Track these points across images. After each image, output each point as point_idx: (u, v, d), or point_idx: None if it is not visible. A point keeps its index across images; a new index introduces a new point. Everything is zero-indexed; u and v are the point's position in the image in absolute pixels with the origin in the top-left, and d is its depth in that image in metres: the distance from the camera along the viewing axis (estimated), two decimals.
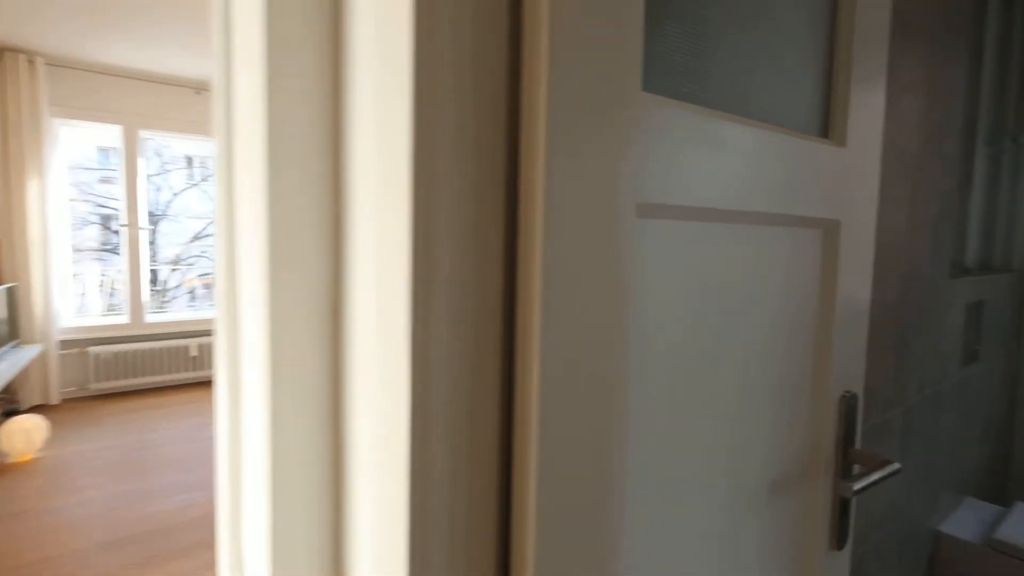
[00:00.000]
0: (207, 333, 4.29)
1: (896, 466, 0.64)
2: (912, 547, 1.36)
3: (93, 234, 5.35)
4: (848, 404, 0.68)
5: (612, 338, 0.43)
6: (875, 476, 0.62)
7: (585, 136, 0.40)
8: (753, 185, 0.53)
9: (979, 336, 1.55)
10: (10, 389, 3.36)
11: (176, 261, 5.89)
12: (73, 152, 4.95)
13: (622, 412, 0.44)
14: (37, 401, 3.56)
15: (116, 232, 4.87)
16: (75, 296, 4.22)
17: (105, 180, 5.17)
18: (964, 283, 1.45)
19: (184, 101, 4.09)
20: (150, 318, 4.14)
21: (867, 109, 0.67)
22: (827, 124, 0.65)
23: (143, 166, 4.11)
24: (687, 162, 0.47)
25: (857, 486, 0.60)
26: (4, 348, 3.11)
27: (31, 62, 3.38)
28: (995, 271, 1.90)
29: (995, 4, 1.82)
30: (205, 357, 4.25)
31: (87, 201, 5.30)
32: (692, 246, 0.50)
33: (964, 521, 1.51)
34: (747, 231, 0.56)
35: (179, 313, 4.60)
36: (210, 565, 1.98)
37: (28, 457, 2.74)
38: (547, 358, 0.39)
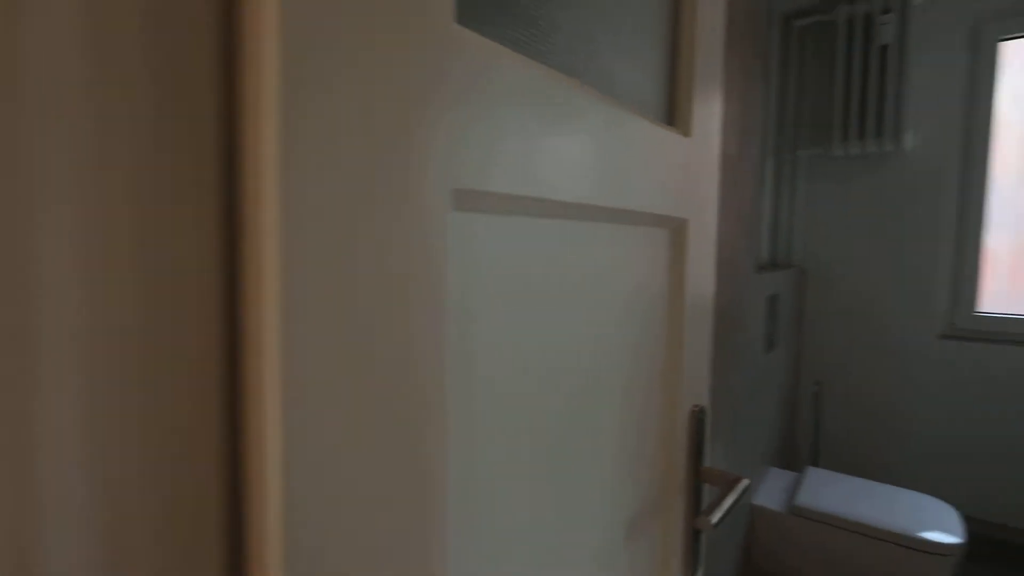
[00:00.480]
0: None
1: (745, 483, 0.60)
2: (737, 525, 1.46)
3: None
4: (697, 419, 0.63)
5: (416, 380, 0.27)
6: (729, 501, 0.57)
7: (357, 83, 0.24)
8: (602, 172, 0.42)
9: (776, 325, 1.74)
10: None
11: None
12: None
13: (438, 478, 0.29)
14: None
15: None
16: None
17: None
18: (765, 278, 1.60)
19: None
20: None
21: (708, 98, 0.62)
22: (672, 110, 0.58)
23: None
24: (525, 136, 0.34)
25: (715, 518, 0.54)
26: None
27: None
28: (781, 267, 2.19)
29: (776, 33, 2.09)
30: None
31: None
32: (529, 249, 0.37)
33: (770, 491, 1.68)
34: (593, 230, 0.45)
35: None
36: None
37: None
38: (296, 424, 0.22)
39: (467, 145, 0.30)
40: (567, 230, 0.41)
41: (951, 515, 1.49)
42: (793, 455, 2.29)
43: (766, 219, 2.25)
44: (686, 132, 0.58)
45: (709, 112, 0.62)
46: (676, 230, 0.58)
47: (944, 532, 1.40)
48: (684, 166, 0.56)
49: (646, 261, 0.53)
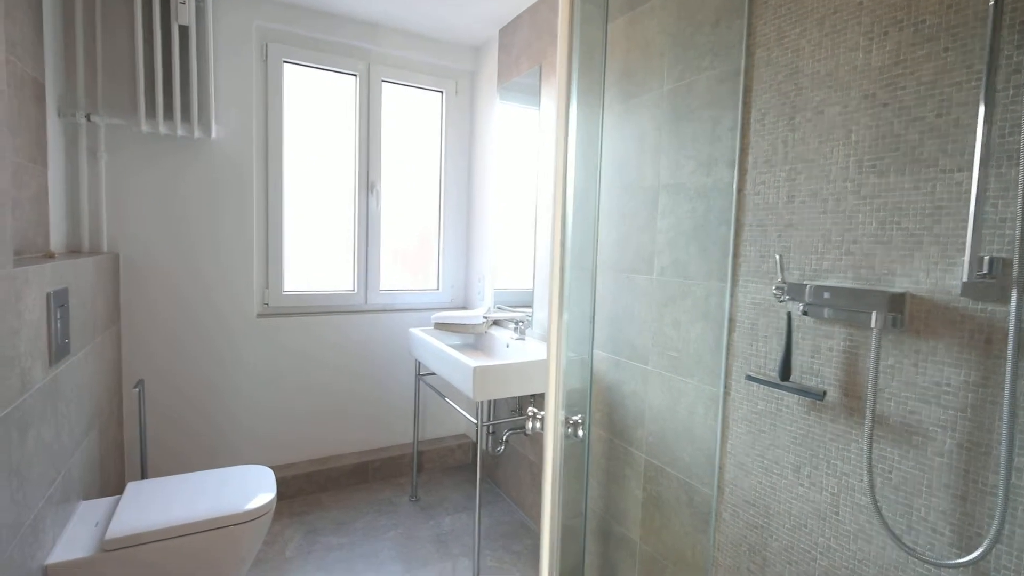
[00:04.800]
0: None
1: None
2: None
3: None
4: None
5: None
6: None
7: None
8: None
9: (67, 327, 1.39)
10: None
11: None
12: None
13: None
14: None
15: None
16: None
17: None
18: (40, 271, 1.23)
19: None
20: None
21: None
22: None
23: None
24: None
25: None
26: None
27: None
28: (86, 254, 1.81)
29: None
30: None
31: None
32: None
33: (76, 536, 1.35)
34: None
35: None
36: None
37: None
38: None
39: None
40: None
41: (267, 476, 1.67)
42: (120, 473, 1.98)
43: (59, 197, 1.78)
44: None
45: None
46: None
47: (261, 494, 1.54)
48: None
49: None
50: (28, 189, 1.56)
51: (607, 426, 1.73)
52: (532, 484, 2.26)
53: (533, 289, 2.23)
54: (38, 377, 1.20)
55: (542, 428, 0.67)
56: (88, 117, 1.84)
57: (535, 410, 0.67)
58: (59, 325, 1.32)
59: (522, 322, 2.20)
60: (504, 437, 2.26)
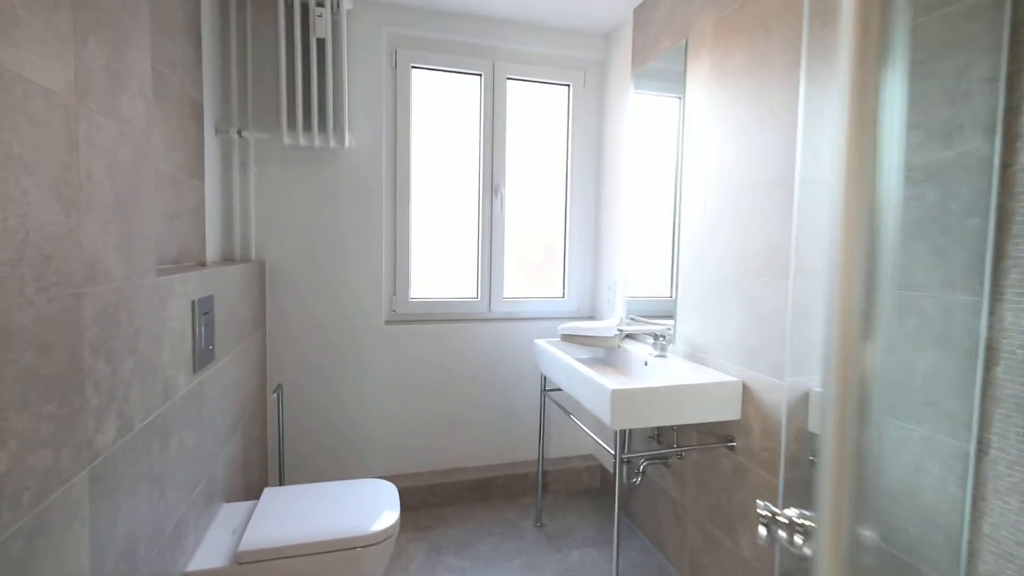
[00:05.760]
0: None
1: None
2: None
3: None
4: None
5: None
6: None
7: None
8: None
9: (212, 333, 1.42)
10: None
11: None
12: None
13: None
14: None
15: None
16: None
17: None
18: (185, 279, 1.25)
19: None
20: None
21: None
22: None
23: None
24: None
25: None
26: None
27: None
28: (236, 262, 1.90)
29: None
30: None
31: None
32: None
33: (215, 542, 1.36)
34: None
35: None
36: None
37: None
38: None
39: None
40: None
41: (390, 493, 1.59)
42: (262, 477, 2.06)
43: (215, 208, 1.89)
44: None
45: None
46: None
47: (386, 513, 1.46)
48: None
49: None
50: (187, 202, 1.66)
51: (775, 470, 1.39)
52: (674, 523, 1.95)
53: (675, 298, 1.94)
54: (182, 384, 1.22)
55: (804, 542, 0.40)
56: (240, 133, 1.94)
57: (773, 510, 0.42)
58: (203, 332, 1.35)
59: (663, 336, 1.92)
60: (640, 467, 1.98)
